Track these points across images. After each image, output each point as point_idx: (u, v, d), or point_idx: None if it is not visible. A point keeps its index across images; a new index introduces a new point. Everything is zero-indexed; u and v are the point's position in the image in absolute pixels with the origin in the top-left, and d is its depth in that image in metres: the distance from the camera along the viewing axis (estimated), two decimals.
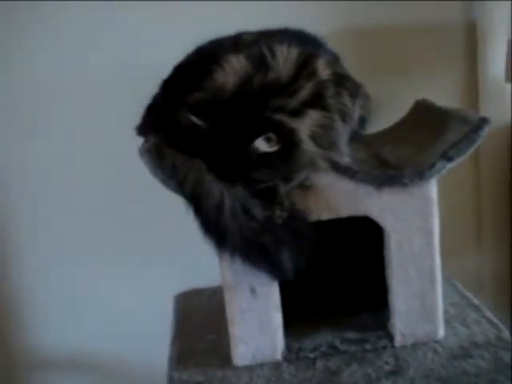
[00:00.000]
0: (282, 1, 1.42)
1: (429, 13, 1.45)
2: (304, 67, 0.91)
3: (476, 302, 1.17)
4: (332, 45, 1.10)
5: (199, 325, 1.20)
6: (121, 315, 1.56)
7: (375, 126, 1.18)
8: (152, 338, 1.37)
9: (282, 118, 0.88)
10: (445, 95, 1.43)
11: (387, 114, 1.22)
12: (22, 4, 1.39)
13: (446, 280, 1.22)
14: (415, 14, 1.45)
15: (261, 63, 0.91)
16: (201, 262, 1.18)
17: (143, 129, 1.03)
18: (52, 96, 1.45)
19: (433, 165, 0.94)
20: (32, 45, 1.42)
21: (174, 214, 0.96)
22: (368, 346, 1.03)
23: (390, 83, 1.43)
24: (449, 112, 1.07)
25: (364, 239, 1.10)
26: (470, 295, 1.19)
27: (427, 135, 1.06)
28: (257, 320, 1.00)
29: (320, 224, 0.95)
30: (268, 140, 0.86)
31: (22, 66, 1.44)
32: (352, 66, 1.07)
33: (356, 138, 1.03)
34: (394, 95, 1.37)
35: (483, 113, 1.43)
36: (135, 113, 1.03)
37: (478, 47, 1.43)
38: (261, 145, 0.86)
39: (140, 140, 1.01)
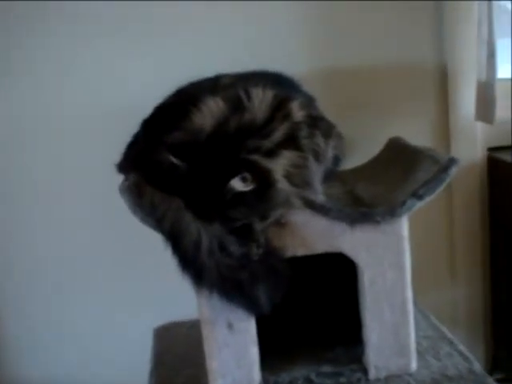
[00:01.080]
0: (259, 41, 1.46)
1: (402, 54, 1.50)
2: (279, 109, 0.95)
3: (449, 335, 1.19)
4: (307, 84, 1.13)
5: (178, 358, 1.22)
6: (99, 347, 1.56)
7: (351, 163, 1.22)
8: (131, 370, 1.37)
9: (257, 158, 0.91)
10: (418, 133, 1.47)
11: (363, 151, 1.26)
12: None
13: (420, 313, 1.25)
14: (389, 55, 1.50)
15: (237, 105, 0.94)
16: (180, 296, 1.20)
17: (123, 166, 1.05)
18: (38, 136, 1.47)
19: (403, 203, 0.97)
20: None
21: (153, 248, 0.98)
22: (343, 380, 1.05)
23: (365, 121, 1.47)
24: (420, 151, 1.11)
25: (338, 275, 1.12)
26: (443, 328, 1.22)
27: (399, 173, 1.10)
28: (234, 354, 1.01)
29: (295, 260, 0.98)
30: (243, 180, 0.89)
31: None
32: (327, 105, 1.10)
33: (330, 175, 1.06)
34: (369, 133, 1.42)
35: (454, 150, 1.48)
36: (116, 150, 1.06)
37: (449, 87, 1.48)
38: (237, 184, 0.89)
39: (120, 177, 1.04)
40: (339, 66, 1.47)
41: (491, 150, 1.53)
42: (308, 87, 1.13)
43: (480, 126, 1.49)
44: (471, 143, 1.47)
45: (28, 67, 1.43)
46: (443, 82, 1.50)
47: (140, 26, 1.43)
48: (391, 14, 1.48)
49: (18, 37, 1.41)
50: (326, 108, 1.10)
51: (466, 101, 1.46)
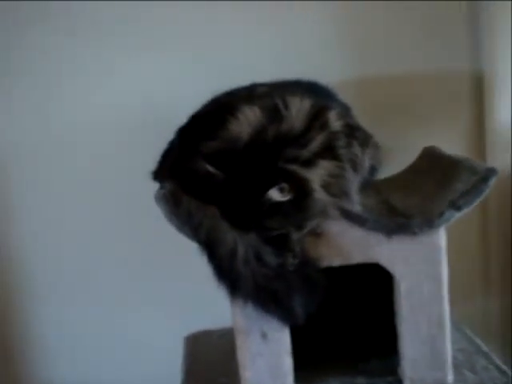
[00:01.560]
0: (291, 51, 1.45)
1: (438, 62, 1.47)
2: (316, 119, 0.94)
3: (484, 348, 1.17)
4: (341, 94, 1.13)
5: (210, 367, 1.21)
6: (131, 355, 1.56)
7: (384, 172, 1.20)
8: (162, 379, 1.37)
9: (295, 168, 0.91)
10: (452, 143, 1.44)
11: (396, 160, 1.25)
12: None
13: (454, 325, 1.22)
14: (424, 63, 1.48)
15: (275, 114, 0.94)
16: (211, 304, 1.20)
17: (159, 174, 1.06)
18: (65, 145, 1.47)
19: (442, 214, 0.96)
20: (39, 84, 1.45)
21: (187, 256, 0.98)
22: None
23: (399, 130, 1.45)
24: (457, 161, 1.09)
25: (374, 286, 1.11)
26: (478, 341, 1.20)
27: (435, 183, 1.09)
28: (267, 364, 1.01)
29: (331, 270, 0.97)
30: (281, 190, 0.88)
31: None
32: (360, 114, 1.10)
33: (366, 185, 1.05)
34: (403, 142, 1.41)
35: (490, 161, 1.45)
36: (148, 157, 1.06)
37: (485, 96, 1.45)
38: (274, 195, 0.88)
39: (154, 184, 1.04)
40: (373, 73, 1.46)
41: None
42: (341, 96, 1.13)
43: None
44: (507, 152, 1.44)
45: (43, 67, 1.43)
46: (479, 89, 1.47)
47: (158, 28, 1.42)
48: (426, 19, 1.45)
49: (19, 37, 1.41)
50: (359, 117, 1.10)
51: (503, 108, 1.43)
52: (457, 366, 1.08)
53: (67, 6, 1.39)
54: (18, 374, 1.59)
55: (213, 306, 1.13)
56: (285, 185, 0.88)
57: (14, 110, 1.45)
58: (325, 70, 1.16)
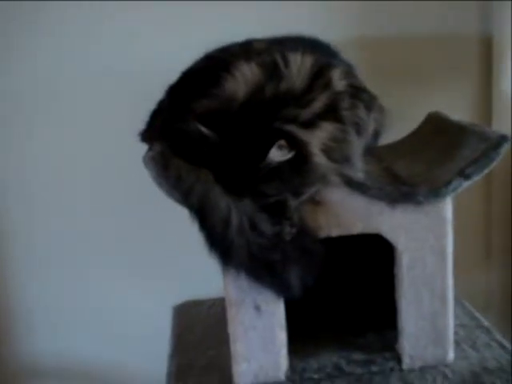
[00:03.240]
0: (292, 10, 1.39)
1: (445, 24, 1.42)
2: (318, 78, 0.88)
3: (486, 323, 1.13)
4: (344, 55, 1.07)
5: (199, 338, 1.17)
6: (119, 325, 1.53)
7: (386, 138, 1.15)
8: (151, 349, 1.34)
9: (293, 129, 0.84)
10: (458, 108, 1.41)
11: (399, 126, 1.19)
12: (23, 4, 1.36)
13: (455, 300, 1.18)
14: (431, 25, 1.42)
15: (273, 72, 0.87)
16: (200, 273, 1.16)
17: (148, 135, 1.00)
18: (52, 100, 1.43)
19: (449, 182, 0.91)
20: (33, 45, 1.40)
21: (175, 223, 0.94)
22: (375, 368, 0.99)
23: (402, 94, 1.40)
24: (464, 127, 1.04)
25: (374, 258, 1.06)
26: (479, 316, 1.16)
27: (441, 150, 1.03)
28: (260, 338, 0.96)
29: (329, 240, 0.92)
30: (280, 148, 0.82)
31: (23, 67, 1.41)
32: (364, 77, 1.04)
33: (369, 151, 0.99)
34: (406, 107, 1.34)
35: (496, 127, 1.40)
36: (138, 118, 1.00)
37: (493, 61, 1.40)
38: (273, 154, 0.82)
39: (143, 146, 0.98)
40: (377, 35, 1.40)
41: None
42: (345, 56, 1.07)
43: None
44: None
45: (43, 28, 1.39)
46: (488, 55, 1.42)
47: None
48: None
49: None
50: (363, 78, 1.04)
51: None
52: (457, 343, 1.04)
53: None
54: (1, 348, 1.56)
55: (203, 275, 1.08)
56: (283, 142, 0.81)
57: None
58: (326, 30, 1.10)
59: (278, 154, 0.82)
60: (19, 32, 1.38)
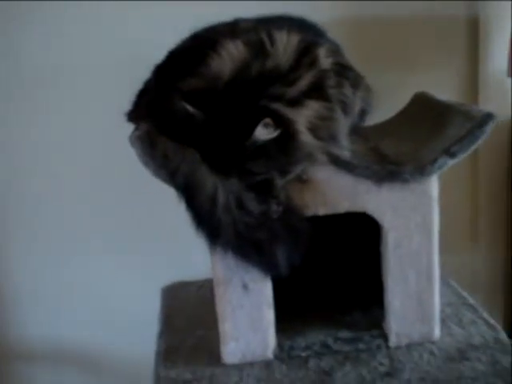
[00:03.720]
0: None
1: (432, 5, 1.41)
2: (304, 55, 0.87)
3: (472, 301, 1.14)
4: (331, 34, 1.06)
5: (187, 319, 1.17)
6: (107, 307, 1.53)
7: (373, 118, 1.15)
8: (139, 330, 1.34)
9: (279, 107, 0.84)
10: (444, 88, 1.41)
11: (385, 106, 1.18)
12: None
13: (441, 278, 1.19)
14: (418, 6, 1.41)
15: (259, 50, 0.87)
16: (188, 254, 1.16)
17: (134, 115, 0.99)
18: (41, 86, 1.42)
19: (434, 161, 0.91)
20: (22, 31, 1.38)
21: (163, 203, 0.93)
22: (362, 346, 1.00)
23: (389, 75, 1.40)
24: (450, 106, 1.04)
25: (360, 236, 1.07)
26: (465, 294, 1.17)
27: (427, 129, 1.03)
28: (248, 317, 0.96)
29: (316, 219, 0.92)
30: (266, 126, 0.81)
31: (19, 54, 1.40)
32: (351, 57, 1.03)
33: (355, 130, 0.99)
34: (393, 87, 1.34)
35: (483, 107, 1.40)
36: (125, 98, 0.99)
37: (479, 42, 1.40)
38: (259, 132, 0.82)
39: (130, 126, 0.97)
40: (363, 14, 1.39)
41: None
42: (331, 36, 1.06)
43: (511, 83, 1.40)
44: (501, 100, 1.39)
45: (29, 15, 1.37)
46: (474, 34, 1.42)
47: None
48: None
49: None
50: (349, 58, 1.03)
51: (498, 55, 1.37)
52: (444, 320, 1.05)
53: None
54: None
55: (191, 255, 1.08)
56: (269, 120, 0.81)
57: None
58: (313, 11, 1.09)
59: (263, 133, 0.82)
60: (17, 27, 1.37)
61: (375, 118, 1.15)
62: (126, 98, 1.00)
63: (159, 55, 1.00)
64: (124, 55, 1.36)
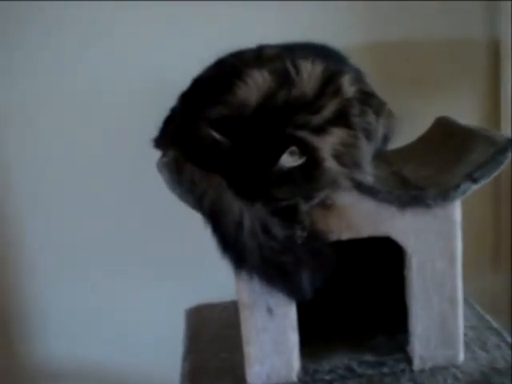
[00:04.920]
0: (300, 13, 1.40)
1: (453, 30, 1.43)
2: (329, 84, 0.89)
3: (495, 325, 1.14)
4: (353, 60, 1.08)
5: (212, 341, 1.18)
6: (132, 328, 1.53)
7: (395, 142, 1.16)
8: (163, 352, 1.35)
9: (304, 134, 0.85)
10: (466, 112, 1.41)
11: (407, 131, 1.19)
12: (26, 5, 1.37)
13: (464, 302, 1.19)
14: (438, 31, 1.43)
15: (285, 79, 0.88)
16: (213, 277, 1.17)
17: (161, 142, 1.01)
18: (64, 110, 1.43)
19: (457, 186, 0.92)
20: (45, 56, 1.41)
21: (189, 227, 0.95)
22: (386, 370, 1.01)
23: (411, 99, 1.41)
24: (472, 131, 1.05)
25: (384, 260, 1.07)
26: (488, 318, 1.17)
27: (450, 154, 1.04)
28: (273, 340, 0.97)
29: (340, 243, 0.93)
30: (291, 154, 0.83)
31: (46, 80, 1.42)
32: (373, 82, 1.05)
33: (378, 155, 1.00)
34: (415, 111, 1.35)
35: (504, 131, 1.40)
36: (150, 124, 1.01)
37: (501, 65, 1.40)
38: (285, 160, 0.83)
39: (155, 152, 0.99)
40: (387, 39, 1.41)
41: None
42: (353, 61, 1.08)
43: None
44: None
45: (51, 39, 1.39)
46: (495, 59, 1.42)
47: None
48: None
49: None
50: (371, 84, 1.05)
51: None
52: (467, 344, 1.05)
53: None
54: (17, 349, 1.57)
55: (216, 278, 1.10)
56: (295, 148, 0.82)
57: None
58: (335, 34, 1.11)
59: (289, 160, 0.83)
60: (22, 42, 1.39)
61: (398, 142, 1.17)
62: (151, 125, 1.01)
63: (184, 81, 1.02)
64: (149, 82, 1.38)
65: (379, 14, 1.41)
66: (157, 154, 0.99)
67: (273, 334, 0.97)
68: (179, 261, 1.48)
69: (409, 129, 1.18)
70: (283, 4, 1.39)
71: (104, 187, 1.46)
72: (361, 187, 0.91)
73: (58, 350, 1.56)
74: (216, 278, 1.07)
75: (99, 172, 1.45)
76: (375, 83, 1.03)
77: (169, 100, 1.02)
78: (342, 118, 0.88)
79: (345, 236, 0.94)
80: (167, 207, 1.05)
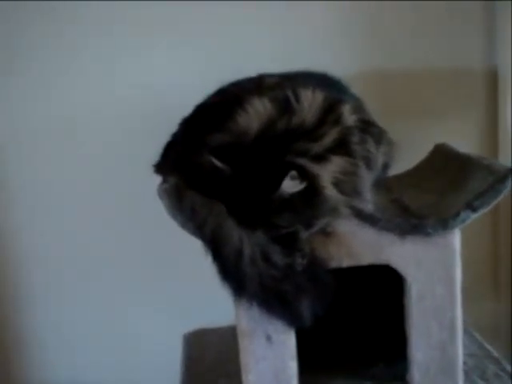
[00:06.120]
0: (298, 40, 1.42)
1: (452, 56, 1.44)
2: (329, 113, 0.90)
3: (495, 353, 1.14)
4: (352, 87, 1.09)
5: (209, 367, 1.18)
6: (130, 352, 1.52)
7: (394, 169, 1.16)
8: (161, 377, 1.34)
9: (304, 162, 0.85)
10: (464, 140, 1.42)
11: (406, 157, 1.20)
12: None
13: (464, 330, 1.19)
14: (438, 57, 1.44)
15: (285, 107, 0.89)
16: (212, 301, 1.16)
17: (161, 167, 1.02)
18: (63, 135, 1.44)
19: (457, 214, 0.92)
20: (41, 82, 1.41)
21: (188, 252, 0.95)
22: None
23: (410, 126, 1.42)
24: (471, 159, 1.06)
25: (384, 288, 1.07)
26: (488, 346, 1.17)
27: (449, 182, 1.05)
28: (272, 368, 0.97)
29: (340, 271, 0.93)
30: (292, 178, 0.83)
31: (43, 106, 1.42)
32: (372, 109, 1.06)
33: (378, 182, 1.01)
34: (413, 138, 1.36)
35: (502, 159, 1.41)
36: (150, 149, 1.01)
37: (499, 93, 1.41)
38: (286, 185, 0.83)
39: (156, 178, 1.00)
40: (386, 67, 1.42)
41: None
42: (353, 89, 1.09)
43: None
44: None
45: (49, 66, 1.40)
46: (493, 88, 1.44)
47: (167, 22, 1.39)
48: (441, 15, 1.42)
49: (20, 34, 1.38)
50: (371, 111, 1.05)
51: None
52: (467, 373, 1.05)
53: None
54: (16, 375, 1.56)
55: (214, 303, 1.09)
56: (295, 172, 0.83)
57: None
58: (335, 63, 1.12)
59: (290, 185, 0.83)
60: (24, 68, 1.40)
61: (397, 168, 1.18)
62: (151, 150, 1.02)
63: (186, 107, 1.03)
64: (150, 106, 1.38)
65: (379, 42, 1.43)
66: (157, 179, 1.00)
67: (272, 362, 0.96)
68: (179, 286, 1.48)
69: (408, 155, 1.20)
70: (283, 30, 1.41)
71: (102, 211, 1.46)
72: (361, 215, 0.92)
73: (56, 378, 1.54)
74: (216, 303, 1.06)
75: (101, 197, 1.45)
76: (375, 111, 1.04)
77: (170, 125, 1.03)
78: (342, 147, 0.89)
79: (345, 263, 0.94)
80: (167, 232, 1.05)
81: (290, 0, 1.39)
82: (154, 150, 1.03)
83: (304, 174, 0.85)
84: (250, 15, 1.40)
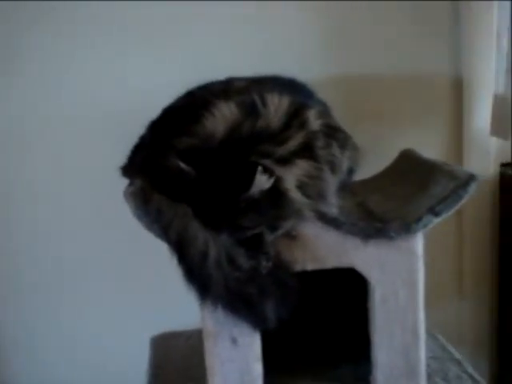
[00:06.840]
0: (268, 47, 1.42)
1: (417, 64, 1.46)
2: (295, 117, 0.91)
3: (457, 355, 1.16)
4: (319, 92, 1.10)
5: (176, 371, 1.18)
6: (96, 356, 1.51)
7: (360, 174, 1.18)
8: (127, 381, 1.34)
9: (269, 163, 0.86)
10: (430, 146, 1.44)
11: (372, 162, 1.22)
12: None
13: (427, 332, 1.20)
14: (403, 65, 1.46)
15: (251, 111, 0.90)
16: (178, 305, 1.16)
17: (128, 170, 1.01)
18: (38, 137, 1.43)
19: (419, 219, 0.94)
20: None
21: (154, 255, 0.95)
22: None
23: (375, 132, 1.44)
24: (435, 165, 1.07)
25: (348, 291, 1.09)
26: (451, 349, 1.18)
27: (413, 187, 1.06)
28: (237, 370, 0.97)
29: (305, 274, 0.94)
30: (264, 171, 0.84)
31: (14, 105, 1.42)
32: (338, 114, 1.07)
33: (343, 187, 1.02)
34: (379, 144, 1.39)
35: (467, 164, 1.44)
36: (119, 152, 1.01)
37: (464, 100, 1.44)
38: (259, 180, 0.84)
39: (123, 181, 1.00)
40: (351, 74, 1.44)
41: (504, 165, 1.49)
42: (319, 95, 1.10)
43: (494, 141, 1.44)
44: (484, 158, 1.43)
45: (28, 67, 1.39)
46: (458, 95, 1.46)
47: (141, 25, 1.39)
48: (407, 23, 1.44)
49: (18, 36, 1.37)
50: (337, 117, 1.07)
51: (481, 115, 1.41)
52: (430, 375, 1.06)
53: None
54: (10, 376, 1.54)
55: (181, 306, 1.09)
56: (261, 168, 0.83)
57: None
58: (302, 68, 1.13)
59: (263, 179, 0.84)
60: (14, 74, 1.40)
61: (363, 173, 1.19)
62: (119, 152, 1.02)
63: (155, 109, 1.03)
64: (120, 108, 1.38)
65: (345, 49, 1.44)
66: (124, 182, 1.00)
67: (237, 364, 0.97)
68: (145, 288, 1.47)
69: (374, 160, 1.21)
70: (253, 36, 1.42)
71: (70, 214, 1.45)
72: (325, 218, 0.93)
73: (18, 379, 1.53)
74: (182, 306, 1.06)
75: (67, 198, 1.45)
76: (340, 117, 1.05)
77: (138, 128, 1.03)
78: (306, 151, 0.90)
79: (309, 267, 0.95)
80: (134, 235, 1.05)
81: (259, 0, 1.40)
82: (122, 153, 1.03)
83: (268, 174, 0.85)
84: (226, 23, 1.41)
